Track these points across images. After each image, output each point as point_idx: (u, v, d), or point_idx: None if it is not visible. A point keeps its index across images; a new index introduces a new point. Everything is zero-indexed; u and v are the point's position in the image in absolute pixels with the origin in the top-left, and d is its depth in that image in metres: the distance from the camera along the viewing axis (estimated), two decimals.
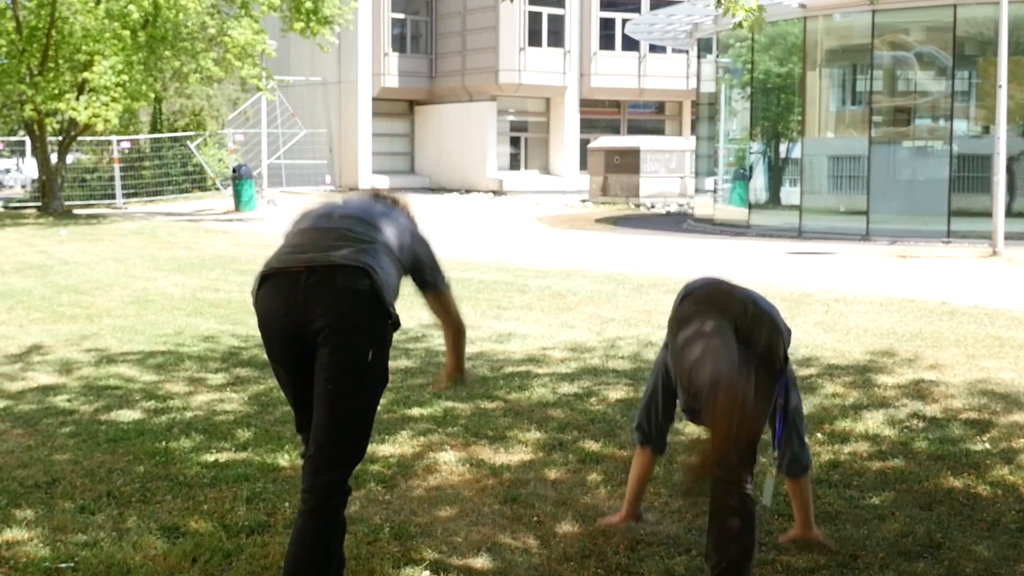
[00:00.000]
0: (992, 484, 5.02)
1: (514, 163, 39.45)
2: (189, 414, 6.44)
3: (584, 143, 36.77)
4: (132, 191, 31.05)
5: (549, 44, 37.99)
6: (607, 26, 38.40)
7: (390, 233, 3.67)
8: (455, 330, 4.07)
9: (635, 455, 4.27)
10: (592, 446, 5.68)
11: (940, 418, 6.23)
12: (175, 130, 36.70)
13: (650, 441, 4.16)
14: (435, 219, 24.58)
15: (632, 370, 7.65)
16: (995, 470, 5.21)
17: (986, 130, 19.45)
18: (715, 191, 23.71)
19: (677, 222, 23.98)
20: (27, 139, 29.77)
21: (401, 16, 38.99)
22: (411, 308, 11.60)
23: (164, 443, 5.76)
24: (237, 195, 26.83)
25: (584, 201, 31.96)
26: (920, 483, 5.01)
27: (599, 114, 40.27)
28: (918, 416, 6.25)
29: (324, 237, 3.56)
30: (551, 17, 37.93)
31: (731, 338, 3.71)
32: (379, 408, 3.64)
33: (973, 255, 16.17)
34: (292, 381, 3.60)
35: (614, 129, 40.14)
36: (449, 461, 5.40)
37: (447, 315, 4.03)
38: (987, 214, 16.72)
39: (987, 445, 5.66)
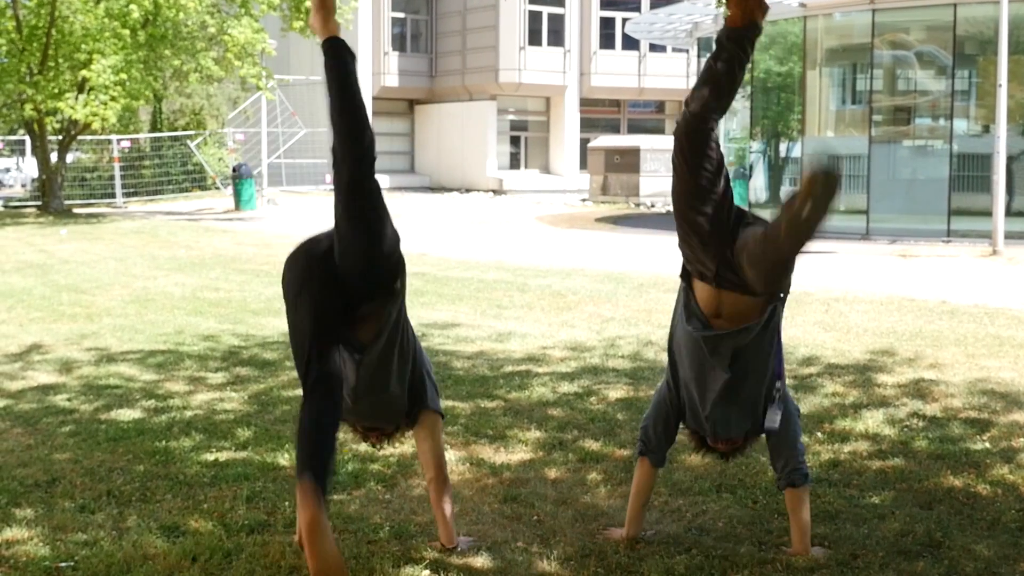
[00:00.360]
0: (992, 483, 5.02)
1: (514, 162, 39.44)
2: (189, 413, 6.44)
3: (584, 142, 36.76)
4: (132, 190, 31.04)
5: (549, 43, 37.99)
6: (607, 25, 38.40)
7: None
8: (439, 478, 4.11)
9: (636, 466, 4.36)
10: (592, 445, 5.68)
11: (940, 417, 6.23)
12: (175, 129, 36.68)
13: (648, 451, 4.26)
14: (435, 218, 24.57)
15: (632, 369, 7.65)
16: (995, 469, 5.21)
17: (986, 129, 19.44)
18: None
19: None
20: (27, 138, 29.76)
21: (401, 15, 38.98)
22: (411, 308, 11.58)
23: (164, 442, 5.76)
24: (237, 194, 26.83)
25: (584, 200, 31.96)
26: (920, 482, 5.01)
27: (599, 113, 40.27)
28: (918, 415, 6.25)
29: None
30: (551, 16, 37.93)
31: None
32: None
33: (973, 254, 16.17)
34: (313, 309, 3.76)
35: (614, 128, 40.14)
36: (449, 460, 5.40)
37: (433, 452, 4.11)
38: (987, 213, 16.72)
39: (987, 444, 5.66)
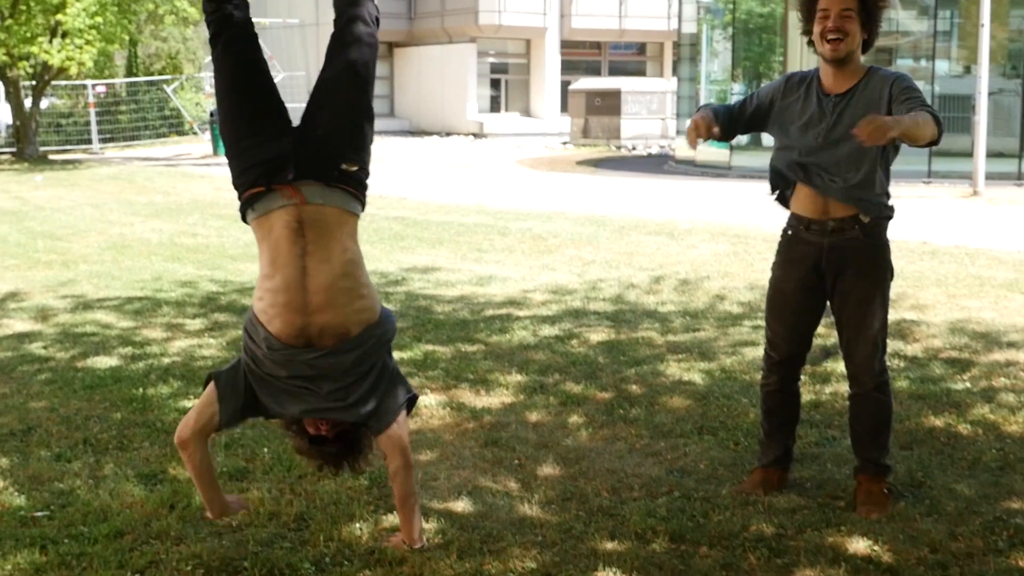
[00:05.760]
0: (972, 423, 5.03)
1: (494, 105, 39.16)
2: (166, 360, 6.38)
3: (565, 85, 36.49)
4: (108, 136, 30.70)
5: None
6: None
7: None
8: (408, 494, 3.61)
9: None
10: (573, 388, 5.66)
11: (921, 358, 6.23)
12: (151, 74, 36.23)
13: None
14: (415, 162, 24.41)
15: (613, 312, 7.62)
16: (975, 409, 5.22)
17: (968, 70, 19.36)
18: None
19: (658, 164, 23.87)
20: (0, 84, 29.34)
21: None
22: (391, 252, 11.47)
23: (141, 390, 5.71)
24: (215, 139, 26.56)
25: (565, 143, 31.80)
26: (901, 423, 5.01)
27: (580, 55, 39.95)
28: (899, 356, 6.25)
29: None
30: None
31: None
32: None
33: (954, 195, 16.18)
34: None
35: (595, 71, 39.85)
36: (430, 404, 5.38)
37: (402, 457, 3.59)
38: (968, 154, 16.70)
39: (967, 384, 5.66)
